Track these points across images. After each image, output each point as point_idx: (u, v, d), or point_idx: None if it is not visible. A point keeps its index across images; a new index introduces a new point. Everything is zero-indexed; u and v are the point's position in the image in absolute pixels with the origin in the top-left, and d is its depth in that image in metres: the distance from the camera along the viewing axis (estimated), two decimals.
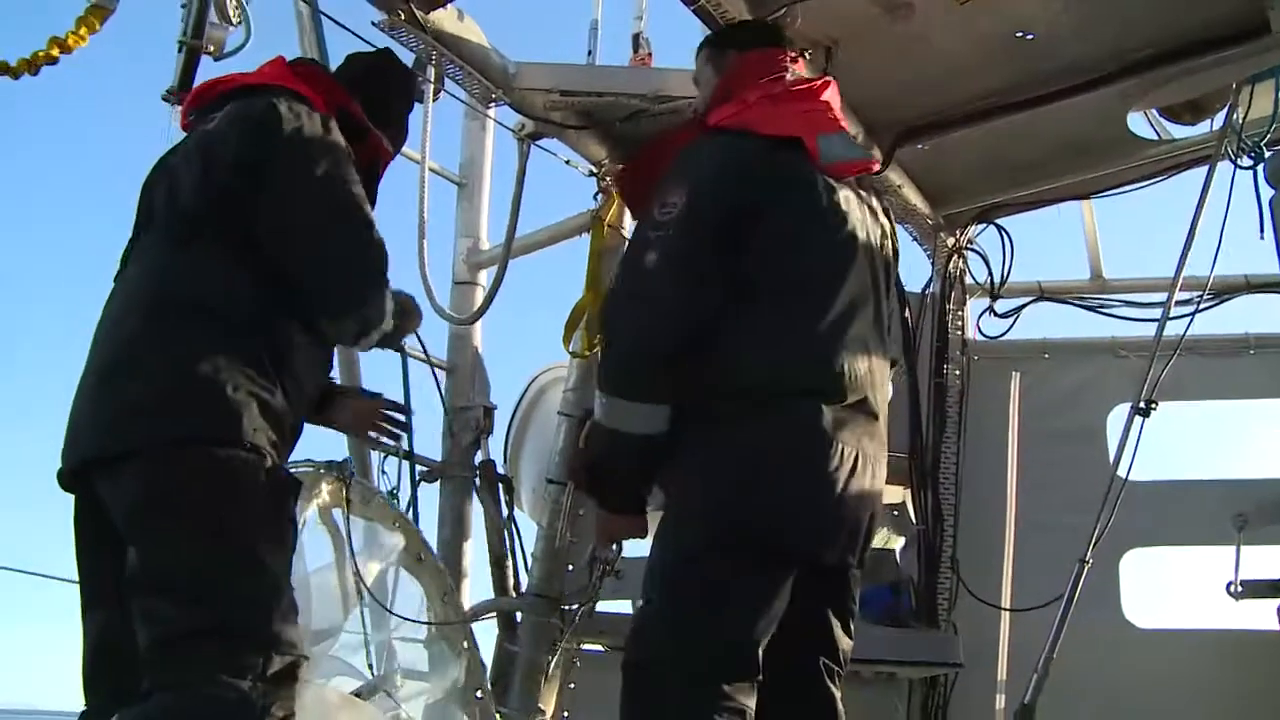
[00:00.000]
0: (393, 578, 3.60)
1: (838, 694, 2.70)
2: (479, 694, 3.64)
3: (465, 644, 3.66)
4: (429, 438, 4.61)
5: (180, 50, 3.38)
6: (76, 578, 2.61)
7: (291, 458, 2.71)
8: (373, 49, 3.17)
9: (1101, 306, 5.16)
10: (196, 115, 2.76)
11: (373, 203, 2.85)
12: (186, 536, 2.35)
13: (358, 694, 3.24)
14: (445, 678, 3.62)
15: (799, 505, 2.54)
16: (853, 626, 2.75)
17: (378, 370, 4.16)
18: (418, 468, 4.32)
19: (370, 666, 3.30)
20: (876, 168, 2.92)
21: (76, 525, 2.59)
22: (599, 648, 4.52)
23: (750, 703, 2.46)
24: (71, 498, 2.58)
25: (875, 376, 2.64)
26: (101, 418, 2.49)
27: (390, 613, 3.39)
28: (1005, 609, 4.74)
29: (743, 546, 2.49)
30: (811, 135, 2.67)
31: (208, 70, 3.38)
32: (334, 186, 2.61)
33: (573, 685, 4.23)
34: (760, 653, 2.48)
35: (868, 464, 2.61)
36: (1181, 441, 5.57)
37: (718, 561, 2.49)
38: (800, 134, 2.66)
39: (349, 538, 3.22)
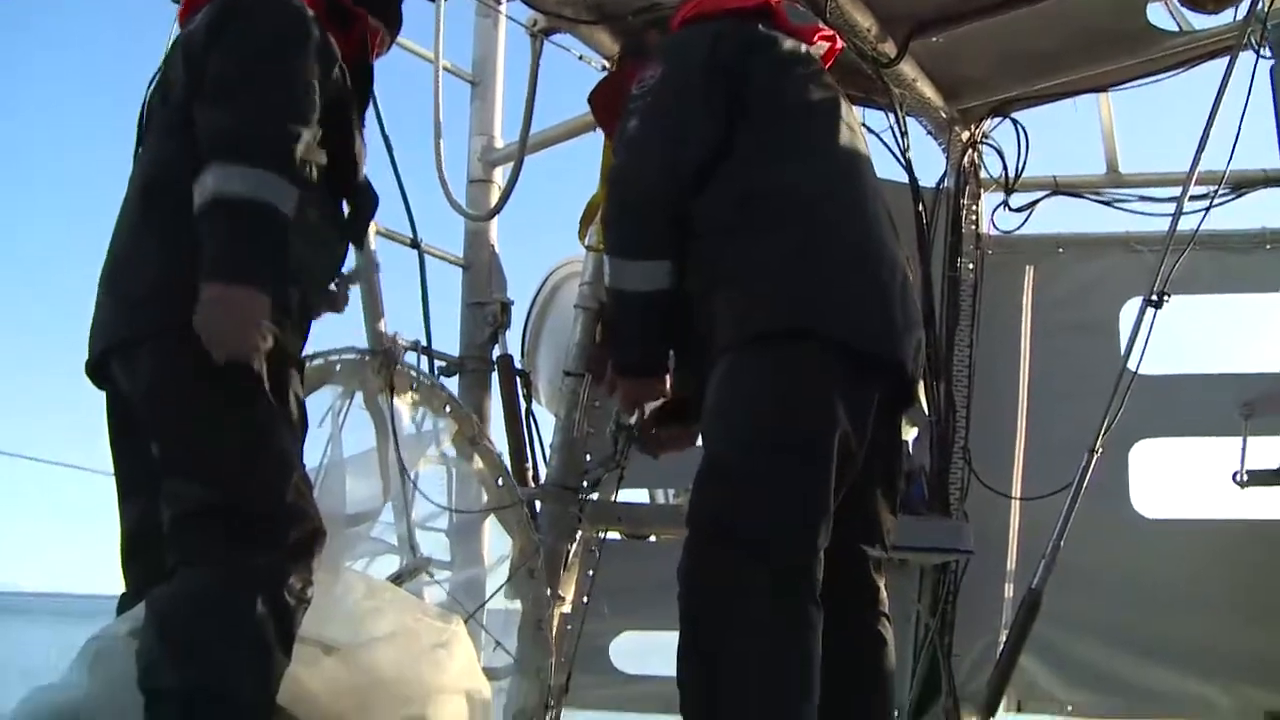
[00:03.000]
0: (443, 461, 3.69)
1: (881, 581, 2.76)
2: (533, 574, 3.74)
3: (519, 525, 3.75)
4: (447, 333, 4.68)
5: None
6: (113, 470, 2.71)
7: (336, 345, 2.76)
8: None
9: (1116, 201, 5.16)
10: (189, 20, 2.77)
11: (368, 92, 2.87)
12: (193, 419, 2.45)
13: (398, 575, 3.33)
14: (500, 558, 3.73)
15: (871, 306, 2.56)
16: (897, 501, 2.81)
17: (396, 266, 4.18)
18: (436, 362, 4.39)
19: (412, 549, 3.38)
20: (841, 45, 2.95)
21: (108, 419, 2.68)
22: (617, 536, 4.65)
23: (819, 579, 2.47)
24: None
25: (888, 224, 2.68)
26: (109, 310, 2.58)
27: (427, 498, 3.47)
28: (1015, 498, 4.83)
29: (835, 355, 2.48)
30: (777, 1, 2.74)
31: None
32: (264, 49, 2.51)
33: (591, 573, 4.34)
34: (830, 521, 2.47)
35: (909, 290, 2.66)
36: (1192, 336, 5.62)
37: (808, 380, 2.49)
38: (765, 3, 2.71)
39: (393, 422, 3.29)
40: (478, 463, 3.90)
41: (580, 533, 4.27)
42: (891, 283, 2.64)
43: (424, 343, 4.27)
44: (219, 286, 2.34)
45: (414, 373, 3.68)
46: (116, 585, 2.65)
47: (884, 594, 2.77)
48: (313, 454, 3.04)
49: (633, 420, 2.89)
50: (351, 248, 3.04)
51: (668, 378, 2.80)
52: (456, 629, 2.91)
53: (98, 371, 2.63)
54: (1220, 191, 4.40)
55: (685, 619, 2.44)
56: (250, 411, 2.45)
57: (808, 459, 2.46)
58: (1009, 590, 4.86)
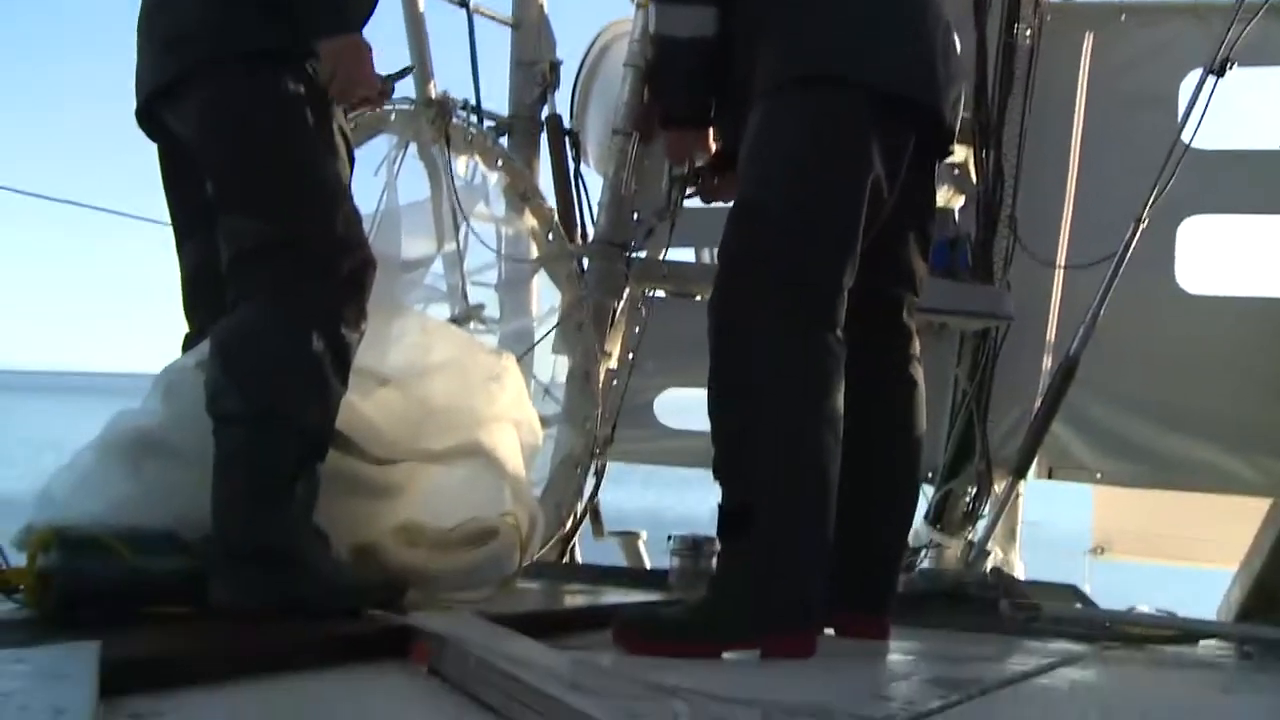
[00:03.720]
0: (492, 220, 3.75)
1: (913, 326, 2.85)
2: (580, 327, 3.83)
3: (568, 279, 3.82)
4: (496, 93, 4.67)
5: None
6: (169, 215, 2.78)
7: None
8: None
9: None
10: None
11: None
12: (245, 153, 2.50)
13: (451, 321, 3.43)
14: (548, 311, 3.83)
15: (911, 53, 2.58)
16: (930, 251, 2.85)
17: (445, 26, 4.15)
18: (486, 122, 4.41)
19: (464, 297, 3.47)
20: None
21: (161, 164, 2.74)
22: (662, 293, 4.74)
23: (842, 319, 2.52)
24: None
25: None
26: (151, 54, 2.61)
27: (482, 242, 3.54)
28: (1059, 266, 4.82)
29: (874, 101, 2.51)
30: None
31: None
32: None
33: (638, 330, 4.43)
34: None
35: (952, 46, 2.66)
36: (1255, 111, 5.50)
37: (845, 125, 2.52)
38: None
39: (449, 171, 3.33)
40: (528, 218, 3.95)
41: (627, 290, 4.35)
42: (935, 34, 2.63)
43: (473, 102, 4.28)
44: (340, 38, 2.48)
45: (467, 126, 3.69)
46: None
47: (915, 338, 2.84)
48: (368, 201, 3.12)
49: (685, 170, 2.91)
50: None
51: (711, 130, 2.82)
52: (507, 363, 3.01)
53: (148, 120, 2.67)
54: None
55: (712, 351, 2.51)
56: (299, 144, 2.50)
57: (837, 198, 2.50)
58: (1047, 361, 4.87)
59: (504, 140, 4.69)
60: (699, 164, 2.88)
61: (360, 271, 2.52)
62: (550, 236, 3.91)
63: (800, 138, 2.53)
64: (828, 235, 2.50)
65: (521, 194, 3.82)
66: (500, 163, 3.73)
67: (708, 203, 3.00)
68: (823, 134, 2.52)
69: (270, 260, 2.45)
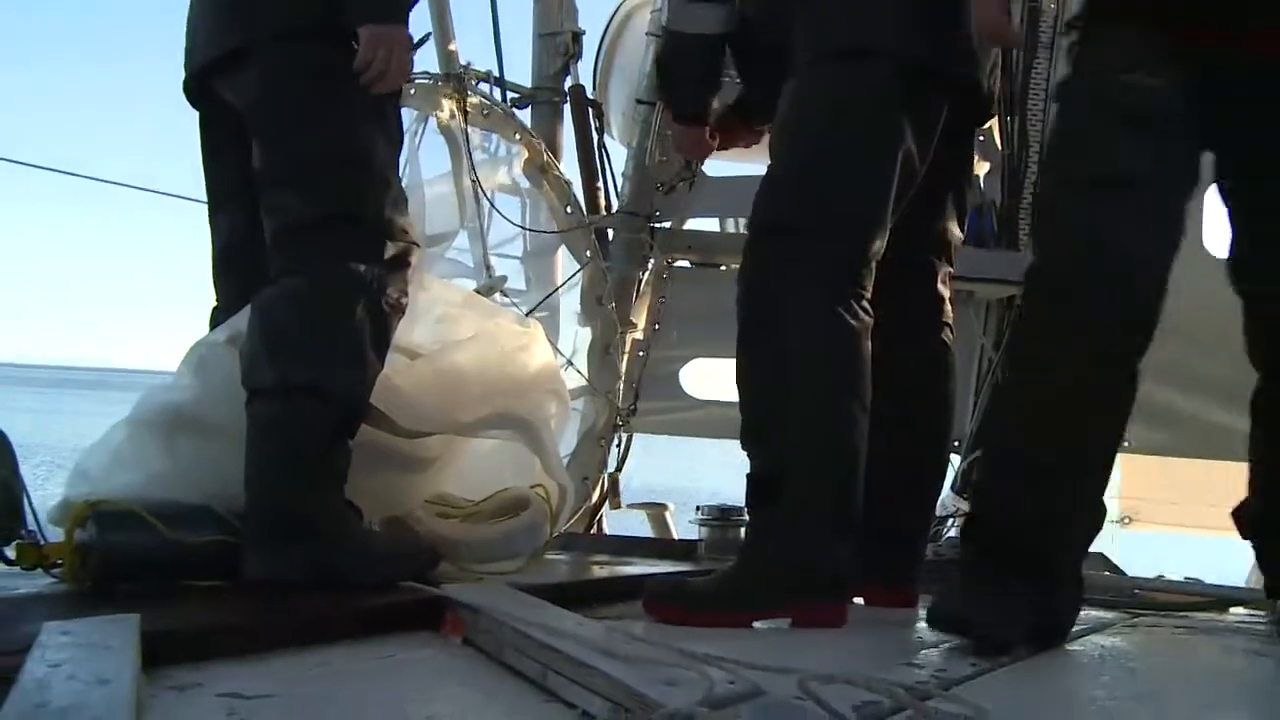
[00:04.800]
0: (516, 191, 3.75)
1: (947, 293, 2.85)
2: (600, 300, 3.84)
3: (588, 252, 3.83)
4: (519, 63, 4.66)
5: None
6: (205, 187, 2.79)
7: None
8: None
9: None
10: None
11: None
12: (296, 130, 2.50)
13: (476, 293, 3.42)
14: (569, 284, 3.84)
15: (942, 23, 2.55)
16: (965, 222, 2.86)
17: None
18: (509, 94, 4.40)
19: (488, 269, 3.48)
20: None
21: (201, 135, 2.74)
22: (687, 263, 4.74)
23: (870, 290, 2.52)
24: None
25: None
26: (211, 21, 2.60)
27: (504, 216, 3.55)
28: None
29: (907, 74, 2.50)
30: None
31: None
32: None
33: (664, 299, 4.43)
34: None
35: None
36: None
37: (876, 99, 2.50)
38: None
39: (467, 146, 3.34)
40: (547, 191, 3.95)
41: (651, 260, 4.35)
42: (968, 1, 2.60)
43: (496, 73, 4.28)
44: (385, 27, 2.48)
45: (486, 100, 3.69)
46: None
47: (948, 306, 2.84)
48: None
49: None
50: None
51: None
52: (535, 332, 3.02)
53: (198, 88, 2.67)
54: None
55: (740, 320, 2.52)
56: (356, 122, 2.50)
57: (866, 171, 2.50)
58: None
59: (526, 112, 4.69)
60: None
61: (406, 253, 2.53)
62: (568, 209, 3.90)
63: (829, 112, 2.53)
64: (855, 207, 2.49)
65: (539, 167, 3.81)
66: (518, 135, 3.72)
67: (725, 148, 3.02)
68: (850, 108, 2.51)
69: (318, 236, 2.46)
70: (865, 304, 2.49)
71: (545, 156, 3.85)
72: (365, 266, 2.46)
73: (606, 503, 4.30)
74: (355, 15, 2.47)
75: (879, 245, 2.52)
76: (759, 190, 2.59)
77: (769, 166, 2.62)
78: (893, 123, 2.50)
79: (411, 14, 2.64)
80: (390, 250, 2.49)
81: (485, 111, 3.64)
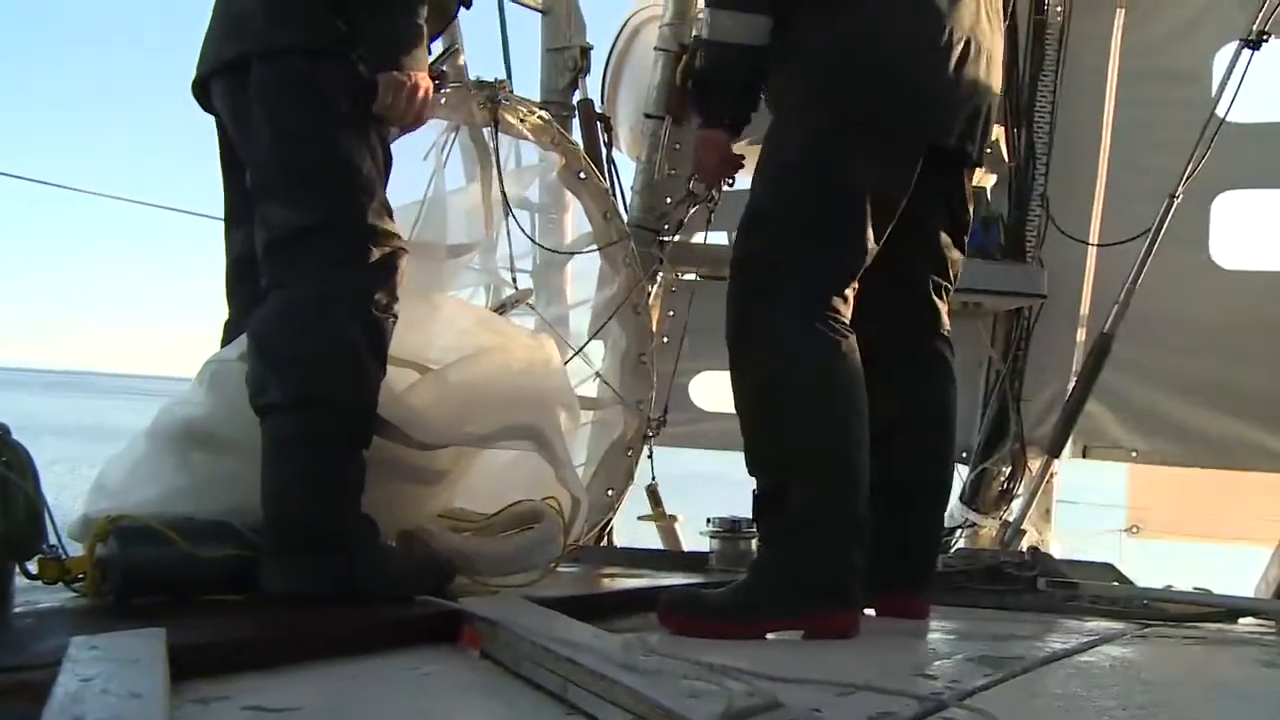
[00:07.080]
0: (548, 195, 3.72)
1: (944, 307, 2.90)
2: (636, 309, 3.83)
3: (625, 261, 3.81)
4: (527, 78, 4.68)
5: None
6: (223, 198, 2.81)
7: None
8: None
9: None
10: None
11: None
12: (280, 143, 2.52)
13: (500, 307, 3.43)
14: (605, 294, 3.82)
15: (914, 83, 2.64)
16: (965, 242, 2.92)
17: (476, 11, 4.16)
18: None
19: (513, 280, 3.47)
20: None
21: (219, 147, 2.78)
22: (695, 275, 4.75)
23: (848, 314, 2.62)
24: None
25: None
26: (221, 29, 2.64)
27: (526, 233, 3.52)
28: (1092, 244, 4.80)
29: (861, 129, 2.60)
30: None
31: None
32: None
33: (671, 313, 4.45)
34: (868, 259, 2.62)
35: (981, 53, 2.68)
36: None
37: (836, 148, 2.61)
38: None
39: (496, 154, 3.31)
40: (585, 199, 3.87)
41: (660, 274, 4.37)
42: (943, 55, 2.62)
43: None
44: (402, 75, 2.52)
45: (522, 106, 3.56)
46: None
47: (945, 316, 2.91)
48: (418, 187, 3.14)
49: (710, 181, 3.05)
50: None
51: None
52: (548, 346, 3.04)
53: (203, 97, 2.71)
54: None
55: (728, 343, 2.65)
56: (337, 137, 2.52)
57: (833, 206, 2.61)
58: (1081, 339, 4.88)
59: None
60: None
61: (392, 257, 2.55)
62: (606, 216, 3.84)
63: (795, 154, 2.66)
64: (827, 238, 2.61)
65: (576, 174, 3.76)
66: (554, 142, 3.67)
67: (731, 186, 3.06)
68: (813, 151, 2.64)
69: (302, 247, 2.48)
70: (842, 323, 2.58)
71: (584, 162, 3.78)
72: (350, 273, 2.48)
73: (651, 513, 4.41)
74: (373, 61, 2.52)
75: (856, 267, 2.62)
76: (739, 227, 2.71)
77: (747, 204, 2.72)
78: (853, 166, 2.60)
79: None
80: (375, 255, 2.51)
81: (521, 118, 3.57)
